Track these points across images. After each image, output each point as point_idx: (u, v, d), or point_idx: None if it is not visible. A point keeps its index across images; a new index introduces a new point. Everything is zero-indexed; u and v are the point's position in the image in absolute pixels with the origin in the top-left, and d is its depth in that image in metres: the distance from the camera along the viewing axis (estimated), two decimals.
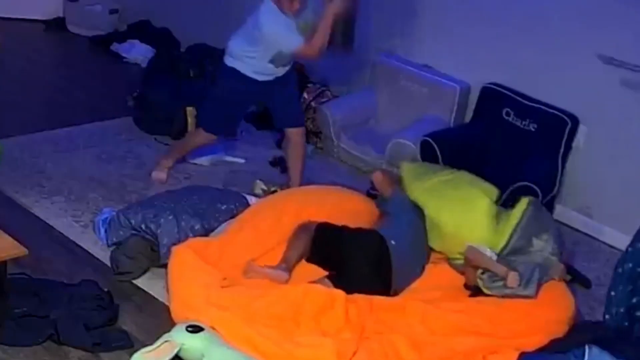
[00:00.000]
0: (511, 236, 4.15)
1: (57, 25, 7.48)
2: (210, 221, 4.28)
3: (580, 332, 3.82)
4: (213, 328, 3.49)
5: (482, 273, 4.04)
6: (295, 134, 4.95)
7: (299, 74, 6.28)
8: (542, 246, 4.13)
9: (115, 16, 7.52)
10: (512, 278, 3.96)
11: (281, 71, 4.68)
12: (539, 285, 4.01)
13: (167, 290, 3.85)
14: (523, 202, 4.28)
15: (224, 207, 4.39)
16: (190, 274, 3.81)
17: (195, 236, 4.14)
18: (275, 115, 5.01)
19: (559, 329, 3.85)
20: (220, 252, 4.01)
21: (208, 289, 3.72)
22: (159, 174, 5.02)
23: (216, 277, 3.82)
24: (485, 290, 4.01)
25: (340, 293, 3.79)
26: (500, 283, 3.99)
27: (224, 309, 3.61)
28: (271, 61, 4.58)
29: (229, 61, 4.66)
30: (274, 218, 4.27)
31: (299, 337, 3.56)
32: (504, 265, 4.02)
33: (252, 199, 4.62)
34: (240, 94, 4.72)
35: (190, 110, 5.59)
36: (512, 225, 4.19)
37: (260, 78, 4.64)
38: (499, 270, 4.01)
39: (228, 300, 3.68)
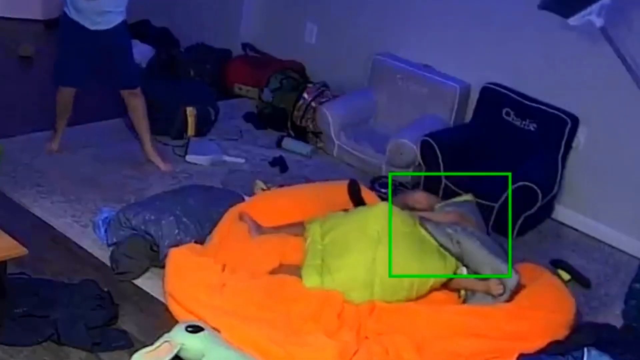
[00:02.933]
0: (449, 251, 4.08)
1: (57, 25, 7.46)
2: (209, 221, 4.28)
3: (580, 334, 3.82)
4: (214, 328, 3.49)
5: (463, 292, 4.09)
6: (127, 95, 5.00)
7: (299, 73, 6.33)
8: (454, 229, 4.11)
9: None
10: (494, 285, 3.95)
11: (92, 15, 4.67)
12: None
13: (165, 291, 3.85)
14: (418, 226, 4.16)
15: (223, 207, 4.39)
16: (189, 274, 3.81)
17: (194, 236, 4.15)
18: (108, 76, 5.00)
19: (561, 332, 3.84)
20: (217, 253, 4.03)
21: (209, 290, 3.72)
22: (51, 146, 5.10)
23: (216, 271, 3.83)
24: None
25: (335, 294, 3.81)
26: (479, 295, 4.00)
27: (226, 311, 3.61)
28: None
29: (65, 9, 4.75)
30: (271, 218, 4.32)
31: (301, 337, 3.56)
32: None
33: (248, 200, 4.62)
34: (75, 43, 4.76)
35: (190, 110, 5.59)
36: (436, 246, 4.10)
37: (82, 21, 4.67)
38: (480, 288, 4.00)
39: (230, 301, 3.68)
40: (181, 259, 3.90)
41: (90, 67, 4.88)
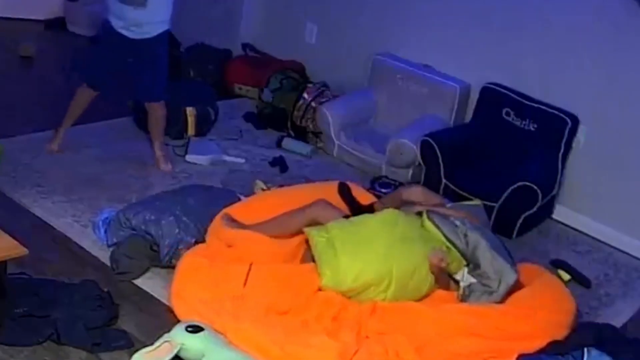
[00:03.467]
0: (454, 244, 4.10)
1: (57, 25, 7.49)
2: (209, 221, 4.27)
3: (580, 333, 3.81)
4: (219, 331, 3.49)
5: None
6: (150, 107, 5.07)
7: (299, 73, 6.33)
8: (462, 221, 4.13)
9: None
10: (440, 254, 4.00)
11: (134, 25, 4.66)
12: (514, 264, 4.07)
13: (171, 292, 3.84)
14: (425, 220, 4.16)
15: (223, 207, 4.39)
16: (205, 280, 3.82)
17: (195, 235, 4.15)
18: (133, 85, 5.05)
19: (560, 332, 3.84)
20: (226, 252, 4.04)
21: (225, 297, 3.74)
22: (51, 146, 5.10)
23: (238, 275, 3.82)
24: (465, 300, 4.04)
25: (333, 294, 3.82)
26: (477, 293, 4.01)
27: (236, 315, 3.61)
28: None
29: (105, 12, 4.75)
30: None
31: (302, 337, 3.56)
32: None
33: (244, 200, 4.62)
34: (109, 45, 4.77)
35: (190, 110, 5.59)
36: (443, 241, 4.10)
37: (122, 30, 4.66)
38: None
39: (243, 306, 3.69)
40: (195, 264, 3.90)
41: (119, 73, 4.91)
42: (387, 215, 4.17)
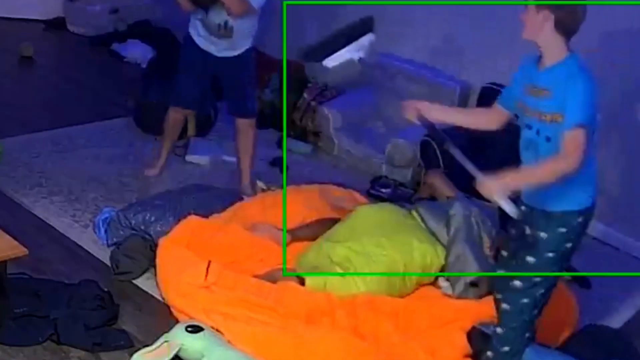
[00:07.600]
0: (436, 237, 4.13)
1: (57, 25, 7.50)
2: None
3: (579, 336, 3.80)
4: (214, 328, 3.49)
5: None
6: (241, 124, 4.91)
7: (299, 73, 6.33)
8: (456, 209, 4.16)
9: (115, 16, 7.53)
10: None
11: (220, 43, 4.59)
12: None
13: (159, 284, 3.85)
14: (413, 211, 4.24)
15: (223, 206, 4.39)
16: (182, 268, 3.82)
17: None
18: (225, 100, 5.00)
19: (561, 331, 3.86)
20: (210, 244, 4.04)
21: (207, 289, 3.72)
22: (150, 170, 5.03)
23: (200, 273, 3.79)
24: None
25: (320, 295, 3.81)
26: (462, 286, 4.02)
27: (226, 313, 3.61)
28: (200, 20, 4.56)
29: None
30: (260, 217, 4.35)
31: (302, 334, 3.56)
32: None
33: (248, 200, 4.62)
34: (193, 63, 4.70)
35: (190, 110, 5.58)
36: (423, 228, 4.17)
37: (202, 45, 4.62)
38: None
39: (228, 301, 3.68)
40: (172, 253, 3.90)
41: (206, 89, 4.90)
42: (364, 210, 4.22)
